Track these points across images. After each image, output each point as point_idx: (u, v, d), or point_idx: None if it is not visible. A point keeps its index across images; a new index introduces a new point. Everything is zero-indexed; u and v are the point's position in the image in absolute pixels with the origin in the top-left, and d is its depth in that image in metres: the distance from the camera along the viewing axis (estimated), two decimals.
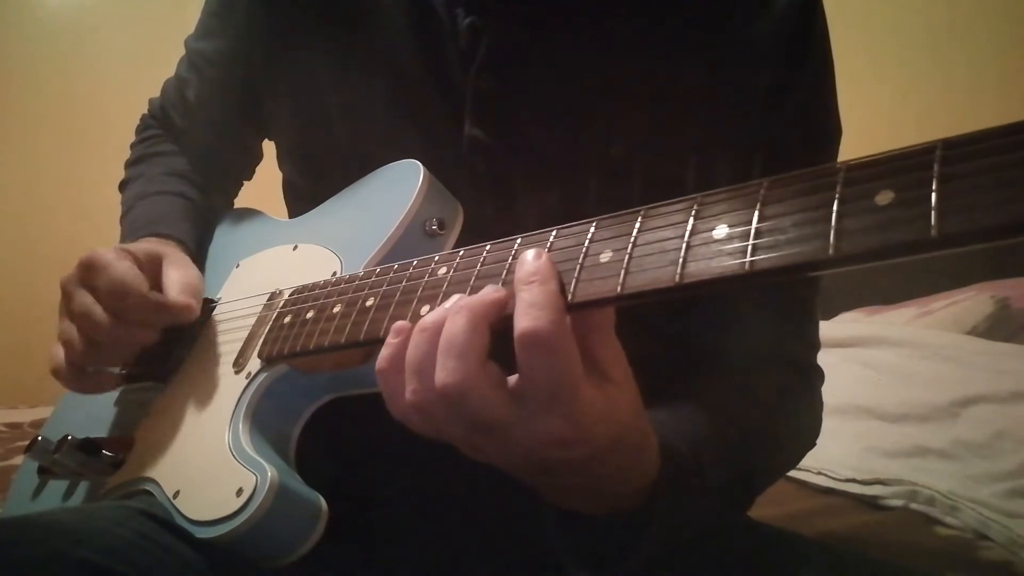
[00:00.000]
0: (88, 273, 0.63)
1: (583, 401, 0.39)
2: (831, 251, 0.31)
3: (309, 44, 0.69)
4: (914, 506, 1.04)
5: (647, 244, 0.37)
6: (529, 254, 0.41)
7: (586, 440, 0.40)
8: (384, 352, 0.44)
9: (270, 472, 0.50)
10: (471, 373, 0.39)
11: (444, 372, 0.40)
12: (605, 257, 0.39)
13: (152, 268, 0.66)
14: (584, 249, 0.40)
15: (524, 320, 0.38)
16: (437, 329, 0.41)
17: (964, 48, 2.40)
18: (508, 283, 0.42)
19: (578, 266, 0.40)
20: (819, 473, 1.14)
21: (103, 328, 0.62)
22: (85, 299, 0.62)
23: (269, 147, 0.82)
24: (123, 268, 0.62)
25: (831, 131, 0.69)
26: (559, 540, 0.50)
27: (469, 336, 0.40)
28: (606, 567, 0.48)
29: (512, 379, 0.40)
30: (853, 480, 1.11)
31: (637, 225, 0.39)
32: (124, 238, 0.76)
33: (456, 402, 0.40)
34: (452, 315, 0.41)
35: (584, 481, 0.44)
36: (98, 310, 0.62)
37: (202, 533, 0.51)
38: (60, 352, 0.65)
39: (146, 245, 0.69)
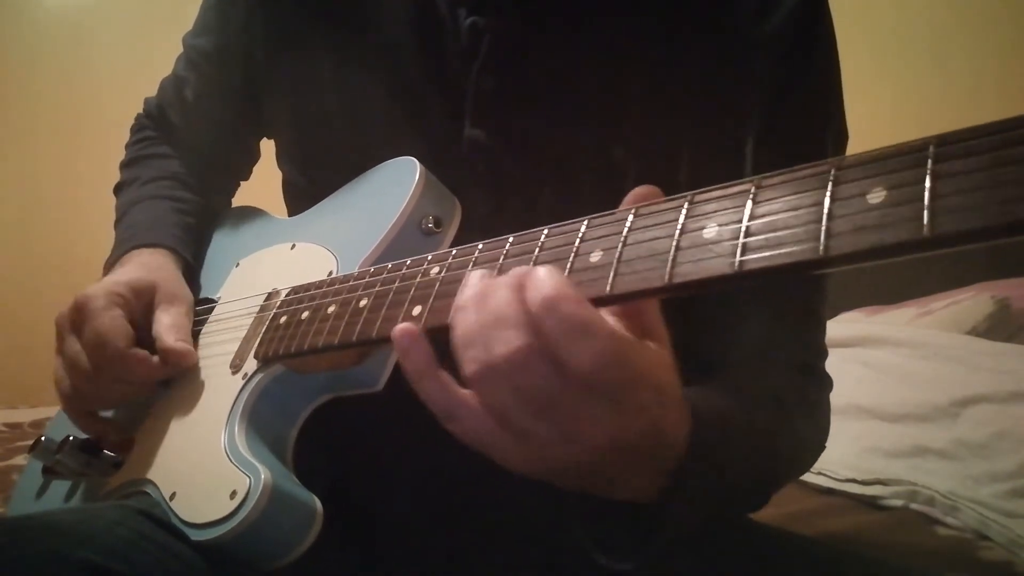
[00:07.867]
0: (78, 316, 0.64)
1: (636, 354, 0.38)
2: (822, 251, 0.30)
3: (309, 42, 0.69)
4: (914, 506, 1.04)
5: (637, 244, 0.37)
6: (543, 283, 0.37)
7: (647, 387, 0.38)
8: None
9: (264, 474, 0.50)
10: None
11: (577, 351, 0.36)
12: (595, 257, 0.39)
13: (144, 302, 0.67)
14: (574, 249, 0.40)
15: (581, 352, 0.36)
16: (484, 302, 0.38)
17: (964, 48, 2.39)
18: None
19: (568, 267, 0.39)
20: (819, 473, 1.14)
21: (84, 379, 0.63)
22: (73, 347, 0.64)
23: (268, 146, 0.82)
24: (106, 321, 0.63)
25: (835, 135, 0.66)
26: (581, 526, 0.48)
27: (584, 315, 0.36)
28: (630, 551, 0.46)
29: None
30: (853, 480, 1.11)
31: (628, 224, 0.38)
32: (117, 246, 0.76)
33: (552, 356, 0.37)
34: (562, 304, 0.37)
35: (616, 456, 0.40)
36: (82, 361, 0.63)
37: (197, 535, 0.51)
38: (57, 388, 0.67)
39: (137, 272, 0.69)
